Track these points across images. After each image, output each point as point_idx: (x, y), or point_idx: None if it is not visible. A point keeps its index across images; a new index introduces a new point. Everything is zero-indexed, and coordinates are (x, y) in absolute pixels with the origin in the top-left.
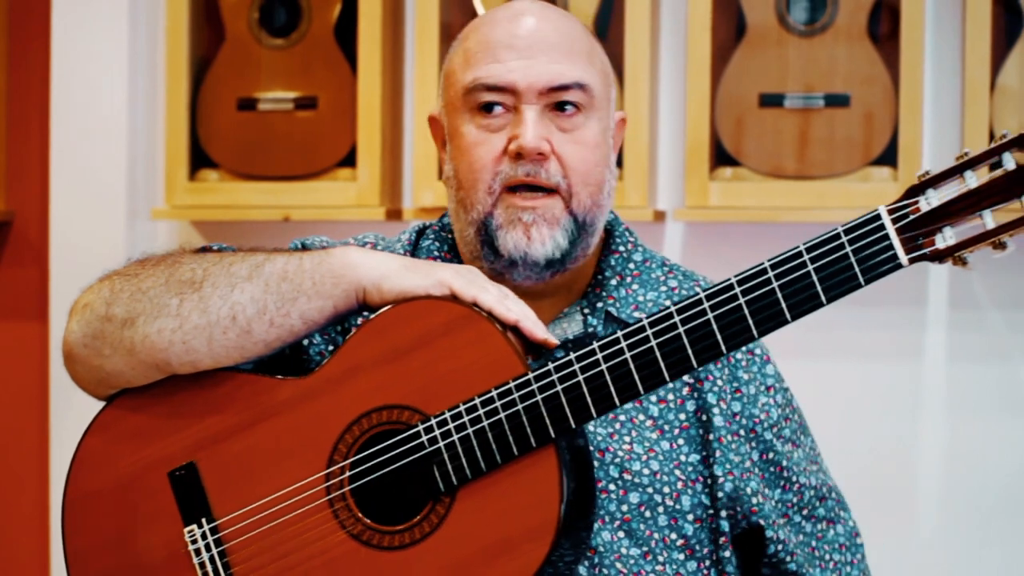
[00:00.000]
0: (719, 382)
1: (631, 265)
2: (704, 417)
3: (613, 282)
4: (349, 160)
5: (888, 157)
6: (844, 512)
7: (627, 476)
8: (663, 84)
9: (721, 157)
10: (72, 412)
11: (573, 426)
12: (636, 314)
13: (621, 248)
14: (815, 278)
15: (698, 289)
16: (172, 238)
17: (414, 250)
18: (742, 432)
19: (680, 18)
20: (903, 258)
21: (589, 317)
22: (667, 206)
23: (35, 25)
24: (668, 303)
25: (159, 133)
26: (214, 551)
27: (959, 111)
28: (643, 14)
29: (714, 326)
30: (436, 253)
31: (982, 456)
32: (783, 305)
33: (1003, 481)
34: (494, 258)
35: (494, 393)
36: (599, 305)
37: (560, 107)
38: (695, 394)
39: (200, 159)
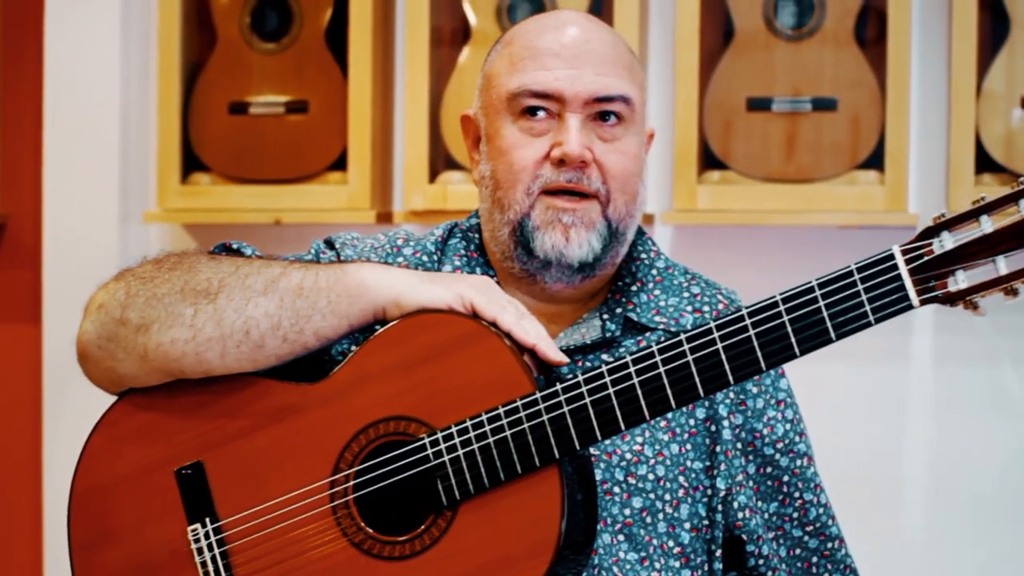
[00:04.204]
0: (731, 394)
1: (653, 271)
2: (713, 428)
3: (634, 288)
4: (340, 163)
5: (875, 161)
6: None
7: (632, 480)
8: (651, 88)
9: (709, 160)
10: (66, 414)
11: (578, 448)
12: (657, 318)
13: (643, 255)
14: (825, 314)
15: (720, 297)
16: (164, 241)
17: (443, 247)
18: (740, 445)
19: (668, 22)
20: (914, 299)
21: (608, 322)
22: (655, 209)
23: (28, 29)
24: (688, 323)
25: (151, 137)
26: (216, 551)
27: (945, 115)
28: (631, 18)
29: (723, 356)
30: (463, 252)
31: (968, 458)
32: (792, 340)
33: (989, 483)
34: (527, 258)
35: (501, 411)
36: (618, 311)
37: (602, 117)
38: (706, 402)
39: (192, 162)
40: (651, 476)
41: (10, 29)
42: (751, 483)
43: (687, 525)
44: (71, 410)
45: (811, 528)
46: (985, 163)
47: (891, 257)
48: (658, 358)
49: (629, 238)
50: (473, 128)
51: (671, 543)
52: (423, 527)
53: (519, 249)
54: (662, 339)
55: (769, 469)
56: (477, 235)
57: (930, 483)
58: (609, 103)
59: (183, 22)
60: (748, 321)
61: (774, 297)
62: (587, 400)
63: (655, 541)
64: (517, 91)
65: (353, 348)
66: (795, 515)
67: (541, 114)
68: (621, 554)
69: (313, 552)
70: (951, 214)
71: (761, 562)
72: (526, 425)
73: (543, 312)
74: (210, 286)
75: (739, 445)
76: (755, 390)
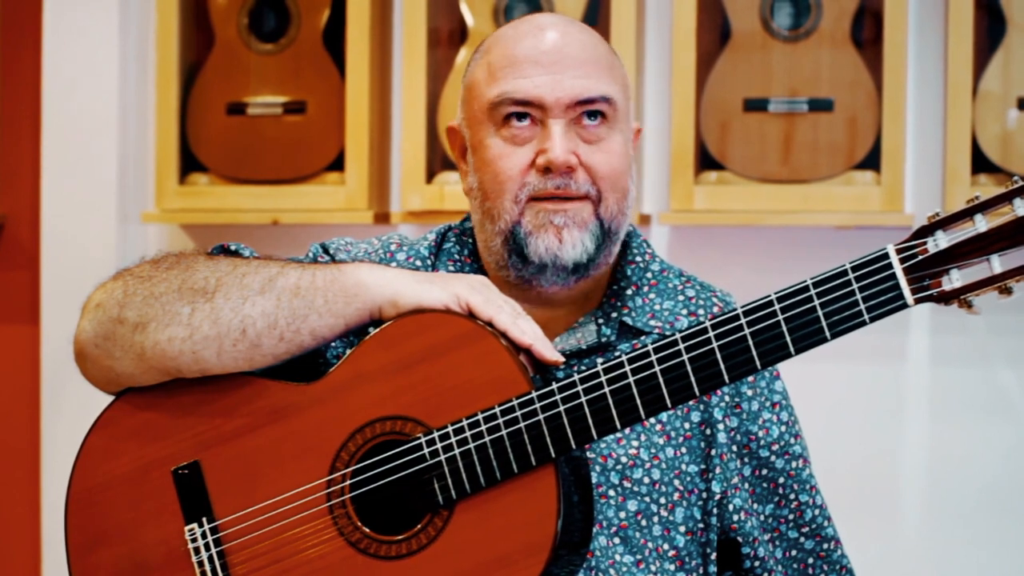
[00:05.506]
0: (726, 397)
1: (648, 275)
2: (708, 431)
3: (629, 291)
4: (338, 164)
5: (871, 161)
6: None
7: (627, 484)
8: (648, 88)
9: (706, 161)
10: (63, 415)
11: (574, 447)
12: (652, 322)
13: (638, 258)
14: (820, 313)
15: (715, 300)
16: (162, 241)
17: (437, 252)
18: (735, 447)
19: (665, 23)
20: (909, 298)
21: (603, 327)
22: (652, 210)
23: (26, 29)
24: (682, 325)
25: (149, 137)
26: (213, 551)
27: (942, 116)
28: (628, 19)
29: (718, 355)
30: (456, 256)
31: (964, 458)
32: (787, 338)
33: (985, 482)
34: (522, 265)
35: (497, 410)
36: (613, 315)
37: (586, 117)
38: (701, 406)
39: (190, 163)
40: (646, 480)
41: (8, 29)
42: (747, 485)
43: (682, 528)
44: (69, 410)
45: (807, 529)
46: (981, 164)
47: (885, 256)
48: (653, 357)
49: (622, 236)
50: (459, 139)
51: (666, 546)
52: (419, 526)
53: (513, 257)
54: (657, 339)
55: (764, 471)
56: (470, 239)
57: (926, 483)
58: (591, 104)
59: (181, 23)
60: (743, 320)
61: (769, 296)
62: (583, 399)
63: (650, 544)
64: (498, 100)
65: (348, 351)
66: (791, 517)
67: (524, 121)
68: (617, 556)
69: (310, 551)
70: (945, 213)
71: (757, 564)
72: (522, 424)
73: (538, 318)
74: (207, 285)
75: (734, 448)
76: (750, 392)
